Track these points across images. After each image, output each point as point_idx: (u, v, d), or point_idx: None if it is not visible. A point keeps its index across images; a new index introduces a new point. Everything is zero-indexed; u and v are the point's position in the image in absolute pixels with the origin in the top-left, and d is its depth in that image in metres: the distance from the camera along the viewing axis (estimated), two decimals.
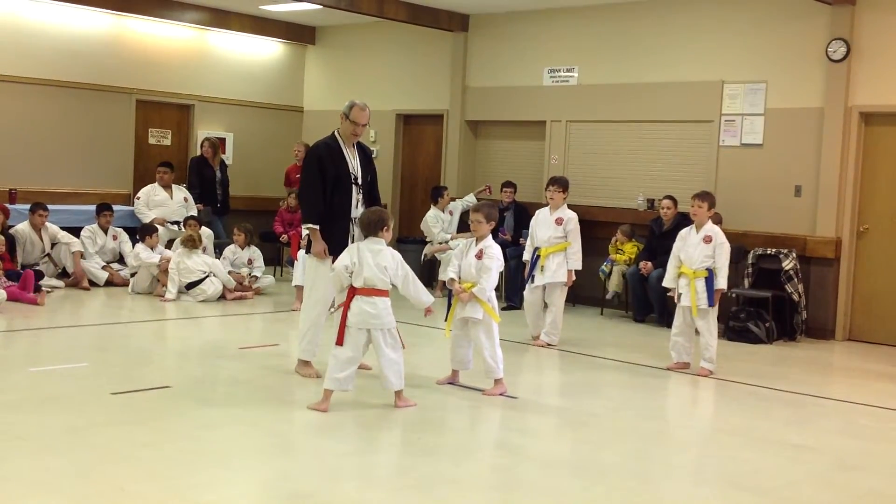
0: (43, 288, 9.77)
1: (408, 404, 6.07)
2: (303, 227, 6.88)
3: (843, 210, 9.58)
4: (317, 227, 6.67)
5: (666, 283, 7.92)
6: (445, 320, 6.75)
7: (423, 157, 13.31)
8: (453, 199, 11.90)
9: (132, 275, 10.61)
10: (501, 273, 6.90)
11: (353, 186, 6.76)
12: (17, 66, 11.48)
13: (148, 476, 4.52)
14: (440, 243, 11.48)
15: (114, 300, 10.08)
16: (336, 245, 6.65)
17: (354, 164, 6.81)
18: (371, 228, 6.05)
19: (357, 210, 6.76)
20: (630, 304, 10.52)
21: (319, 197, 6.67)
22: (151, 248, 10.62)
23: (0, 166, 11.32)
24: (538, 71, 11.75)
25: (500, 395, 6.51)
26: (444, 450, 5.36)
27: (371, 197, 6.93)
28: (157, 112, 12.94)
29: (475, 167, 12.58)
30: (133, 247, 10.84)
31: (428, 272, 11.86)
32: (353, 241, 6.68)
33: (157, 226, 11.10)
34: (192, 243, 10.30)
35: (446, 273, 6.89)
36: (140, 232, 10.85)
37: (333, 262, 6.66)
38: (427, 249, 11.63)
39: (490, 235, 6.68)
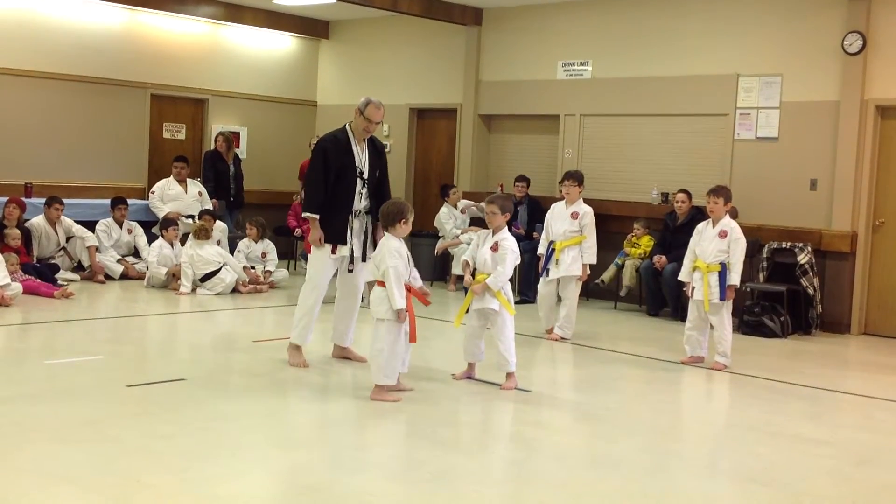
0: (62, 284, 9.78)
1: (381, 398, 5.96)
2: (303, 214, 6.99)
3: (859, 204, 9.53)
4: (316, 216, 6.77)
5: (682, 276, 7.88)
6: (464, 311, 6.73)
7: (436, 151, 13.30)
8: (465, 199, 11.85)
9: (148, 267, 10.64)
10: (516, 267, 6.87)
11: (358, 180, 6.81)
12: (32, 60, 11.52)
13: (163, 468, 4.55)
14: (452, 238, 11.48)
15: (129, 293, 10.12)
16: (334, 235, 6.80)
17: (362, 157, 6.87)
18: (387, 219, 6.13)
19: (360, 203, 6.83)
20: (644, 298, 10.50)
21: (321, 187, 6.78)
22: (170, 242, 10.65)
23: (15, 160, 11.38)
24: (552, 64, 11.72)
25: (514, 388, 6.51)
26: (459, 443, 5.37)
27: (380, 192, 6.97)
28: (171, 106, 12.98)
29: (489, 161, 12.56)
30: (150, 243, 10.86)
31: (441, 267, 11.87)
32: (351, 233, 6.80)
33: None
34: (205, 233, 10.32)
35: (460, 262, 6.89)
36: (161, 225, 10.89)
37: (333, 251, 6.75)
38: (439, 244, 11.63)
39: (506, 227, 6.66)
